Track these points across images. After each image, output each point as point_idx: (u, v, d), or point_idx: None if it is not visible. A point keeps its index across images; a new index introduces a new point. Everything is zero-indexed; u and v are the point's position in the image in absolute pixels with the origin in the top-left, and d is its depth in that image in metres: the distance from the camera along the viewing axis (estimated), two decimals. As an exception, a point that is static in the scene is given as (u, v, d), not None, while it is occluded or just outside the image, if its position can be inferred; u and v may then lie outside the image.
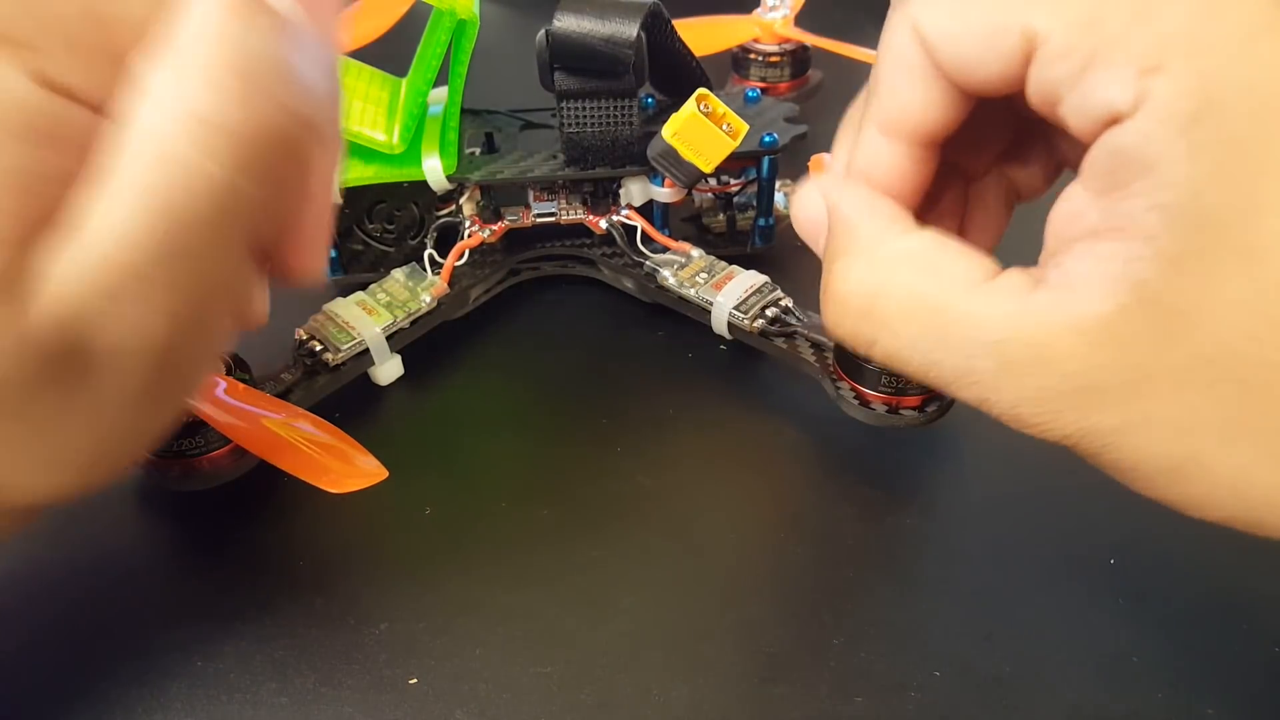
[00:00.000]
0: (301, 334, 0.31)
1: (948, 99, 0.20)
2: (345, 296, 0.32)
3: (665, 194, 0.34)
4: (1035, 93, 0.19)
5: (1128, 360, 0.18)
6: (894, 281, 0.20)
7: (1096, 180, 0.18)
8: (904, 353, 0.20)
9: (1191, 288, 0.17)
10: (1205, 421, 0.18)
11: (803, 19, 0.44)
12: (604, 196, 0.35)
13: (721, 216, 0.37)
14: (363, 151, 0.33)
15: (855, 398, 0.29)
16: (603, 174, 0.33)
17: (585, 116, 0.32)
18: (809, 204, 0.22)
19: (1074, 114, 0.18)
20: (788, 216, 0.37)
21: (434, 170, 0.33)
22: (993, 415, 0.19)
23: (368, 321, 0.31)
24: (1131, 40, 0.17)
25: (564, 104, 0.32)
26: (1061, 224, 0.19)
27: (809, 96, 0.44)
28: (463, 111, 0.33)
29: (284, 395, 0.30)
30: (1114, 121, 0.18)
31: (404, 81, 0.35)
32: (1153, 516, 0.20)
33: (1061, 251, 0.19)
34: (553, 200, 0.35)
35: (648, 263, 0.34)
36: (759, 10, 0.44)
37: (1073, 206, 0.19)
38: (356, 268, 0.35)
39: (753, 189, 0.36)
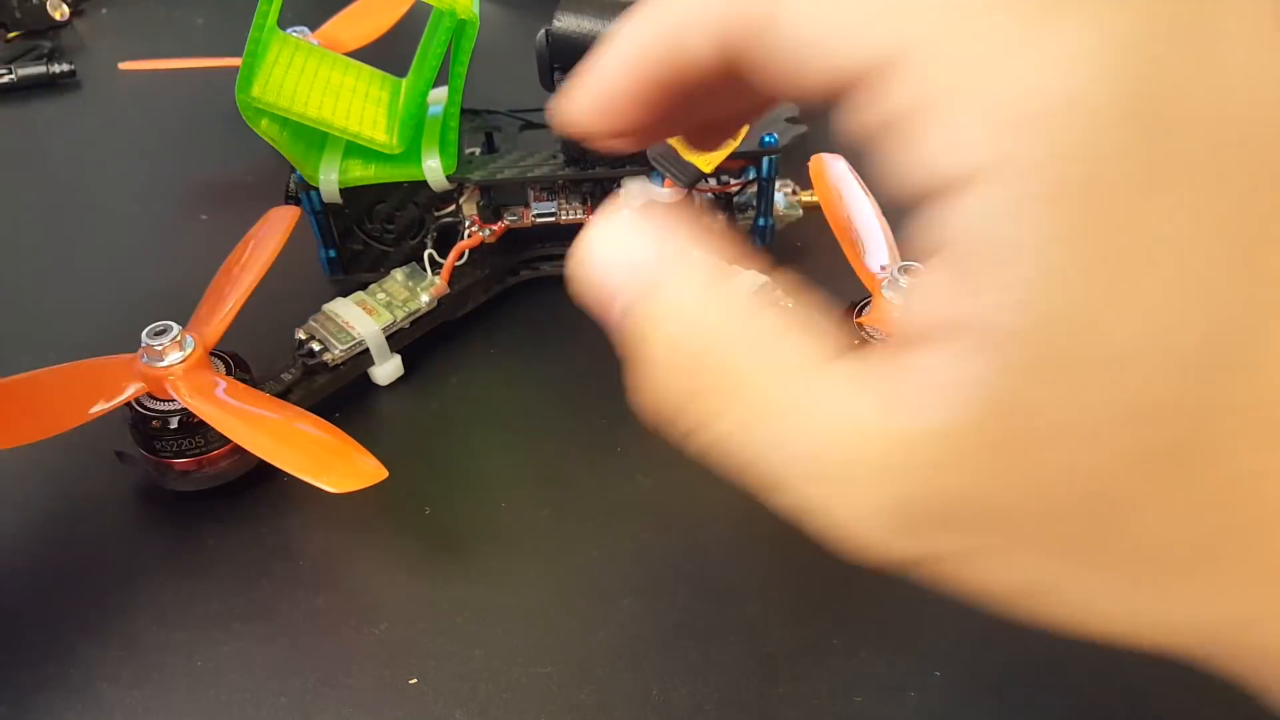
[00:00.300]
0: (301, 334, 0.31)
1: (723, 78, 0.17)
2: (345, 296, 0.32)
3: (665, 194, 0.34)
4: (857, 121, 0.15)
5: (974, 483, 0.15)
6: (715, 345, 0.16)
7: (944, 264, 0.15)
8: (729, 440, 0.16)
9: (1046, 406, 0.15)
10: (1056, 551, 0.16)
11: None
12: (604, 196, 0.35)
13: (721, 216, 0.37)
14: (363, 151, 0.33)
15: (855, 398, 0.29)
16: (602, 174, 0.33)
17: (585, 116, 0.32)
18: (613, 244, 0.17)
19: (904, 162, 0.15)
20: (787, 216, 0.37)
21: (434, 170, 0.33)
22: (818, 532, 0.16)
23: (367, 321, 0.31)
24: (987, 85, 0.14)
25: (564, 104, 0.32)
26: (915, 308, 0.16)
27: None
28: (463, 111, 0.33)
29: (284, 395, 0.30)
30: (959, 185, 0.15)
31: (404, 82, 0.35)
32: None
33: (913, 343, 0.16)
34: (553, 200, 0.35)
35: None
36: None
37: (926, 290, 0.16)
38: (356, 268, 0.35)
39: (753, 189, 0.36)
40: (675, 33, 0.16)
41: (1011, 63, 0.14)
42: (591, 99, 0.18)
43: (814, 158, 0.33)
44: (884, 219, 0.33)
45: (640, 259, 0.17)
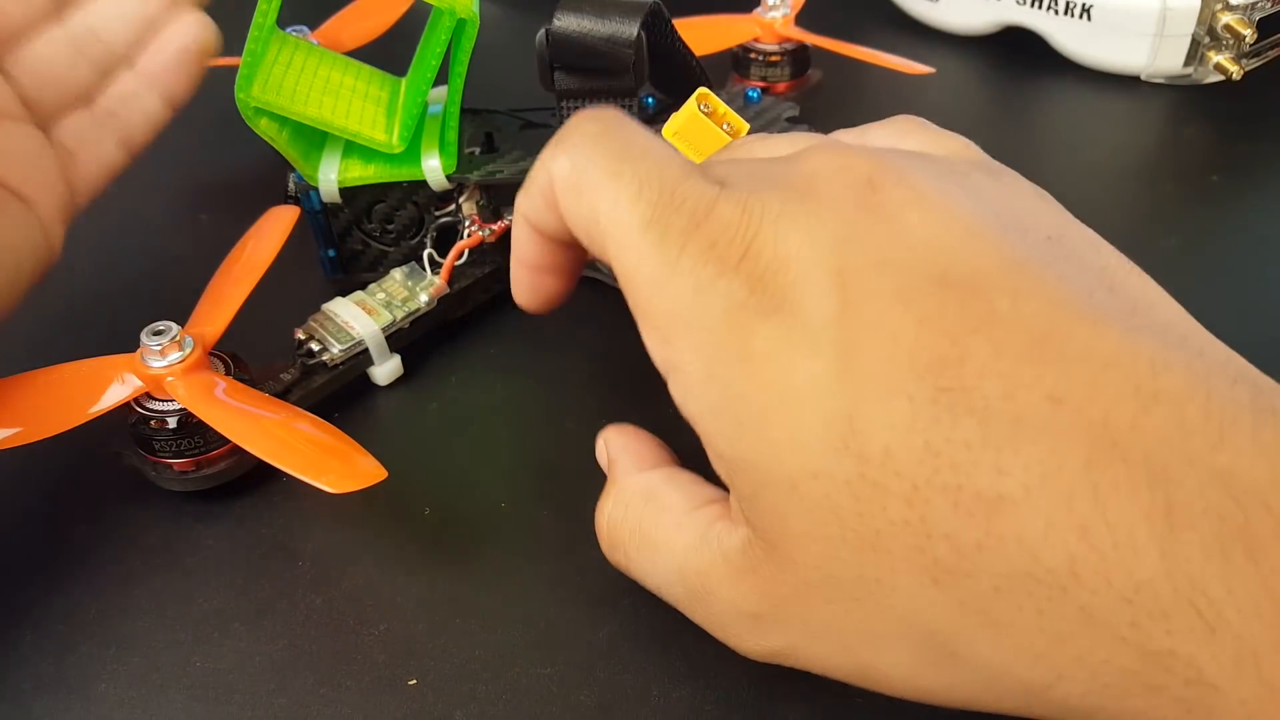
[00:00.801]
0: (300, 334, 0.31)
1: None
2: (344, 296, 0.32)
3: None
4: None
5: (762, 588, 0.19)
6: (627, 513, 0.23)
7: None
8: (639, 576, 0.23)
9: (769, 522, 0.19)
10: (848, 634, 0.19)
11: (803, 18, 0.44)
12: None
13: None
14: (362, 151, 0.33)
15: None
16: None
17: (585, 116, 0.32)
18: (600, 450, 0.26)
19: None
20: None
21: (434, 170, 0.33)
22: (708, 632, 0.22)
23: (367, 321, 0.31)
24: (653, 311, 0.20)
25: (564, 103, 0.32)
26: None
27: (809, 96, 0.44)
28: (462, 111, 0.33)
29: (283, 395, 0.30)
30: (665, 375, 0.20)
31: (404, 81, 0.35)
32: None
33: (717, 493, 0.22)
34: (552, 200, 0.35)
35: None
36: (759, 9, 0.44)
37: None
38: (355, 267, 0.35)
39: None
40: (529, 222, 0.24)
41: (662, 290, 0.19)
42: (524, 287, 0.26)
43: None
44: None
45: (605, 455, 0.25)
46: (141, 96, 0.32)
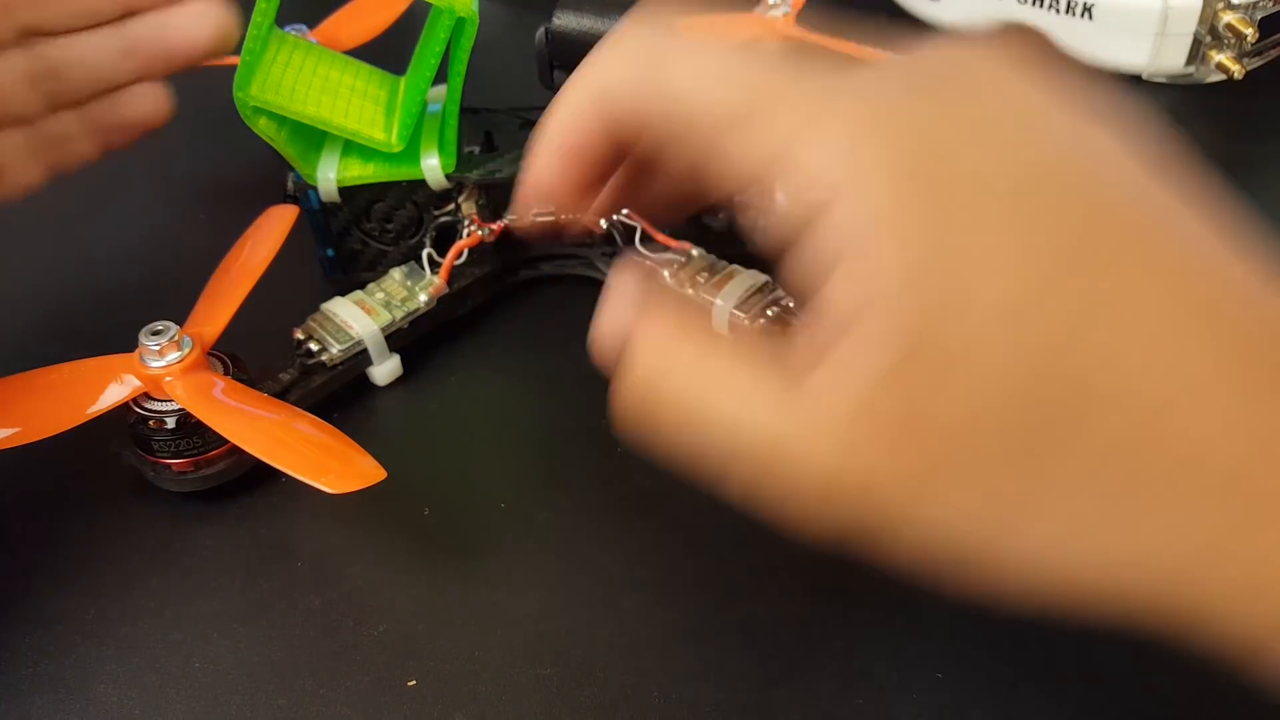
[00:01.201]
0: (299, 334, 0.31)
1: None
2: (343, 296, 0.32)
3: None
4: (739, 165, 0.19)
5: (879, 459, 0.18)
6: (675, 368, 0.20)
7: (807, 268, 0.18)
8: (679, 447, 0.20)
9: (918, 389, 0.17)
10: (992, 493, 0.18)
11: (804, 17, 0.44)
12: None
13: (722, 216, 0.37)
14: (361, 150, 0.33)
15: (856, 397, 0.29)
16: (602, 173, 0.33)
17: (585, 115, 0.32)
18: (615, 304, 0.22)
19: (784, 193, 0.19)
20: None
21: (433, 169, 0.32)
22: (766, 509, 0.19)
23: (366, 321, 0.31)
24: (788, 98, 0.18)
25: (563, 102, 0.32)
26: (828, 307, 0.18)
27: (809, 95, 0.44)
28: (462, 110, 0.33)
29: (282, 395, 0.30)
30: (821, 207, 0.18)
31: (403, 80, 0.35)
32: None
33: (825, 343, 0.18)
34: (552, 199, 0.35)
35: (648, 262, 0.34)
36: (760, 8, 0.43)
37: (831, 290, 0.18)
38: (354, 267, 0.35)
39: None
40: (600, 97, 0.21)
41: (810, 144, 0.18)
42: (554, 158, 0.23)
43: None
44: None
45: (622, 326, 0.20)
46: (79, 140, 0.33)
